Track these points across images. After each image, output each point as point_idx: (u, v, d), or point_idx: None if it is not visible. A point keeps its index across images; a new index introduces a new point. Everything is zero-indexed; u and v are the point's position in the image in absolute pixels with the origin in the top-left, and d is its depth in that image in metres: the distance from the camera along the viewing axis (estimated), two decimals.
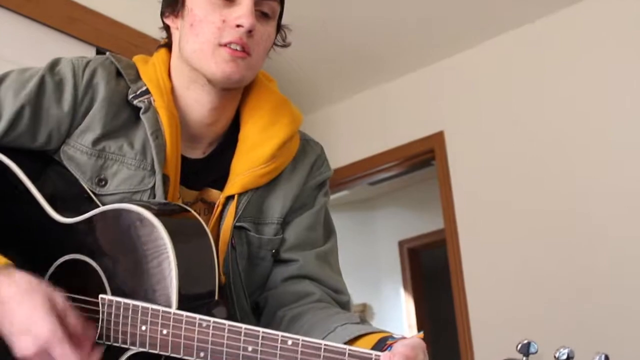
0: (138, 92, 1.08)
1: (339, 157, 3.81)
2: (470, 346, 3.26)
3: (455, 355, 3.42)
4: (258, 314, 1.16)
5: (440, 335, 5.36)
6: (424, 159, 3.75)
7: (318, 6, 3.11)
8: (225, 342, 0.85)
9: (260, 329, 0.84)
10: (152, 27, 2.79)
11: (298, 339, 0.82)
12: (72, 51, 2.55)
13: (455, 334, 3.36)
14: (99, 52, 2.64)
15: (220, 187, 1.12)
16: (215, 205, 1.11)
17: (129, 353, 0.91)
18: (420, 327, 5.34)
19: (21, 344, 0.84)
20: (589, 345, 3.02)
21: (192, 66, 1.08)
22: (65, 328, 0.85)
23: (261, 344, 0.83)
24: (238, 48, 1.04)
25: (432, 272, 5.52)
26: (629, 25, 3.03)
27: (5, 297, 0.85)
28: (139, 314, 0.90)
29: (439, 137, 3.59)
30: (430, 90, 3.69)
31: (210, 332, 0.86)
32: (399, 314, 5.44)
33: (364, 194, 5.49)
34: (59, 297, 0.88)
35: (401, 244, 5.56)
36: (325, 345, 0.81)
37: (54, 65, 1.07)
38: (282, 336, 0.82)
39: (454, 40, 3.50)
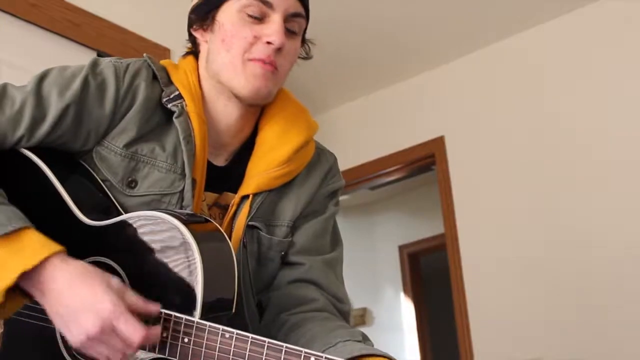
0: (172, 96, 1.10)
1: (339, 161, 3.80)
2: (470, 351, 3.26)
3: None
4: (260, 313, 1.17)
5: (440, 340, 5.36)
6: (424, 164, 3.76)
7: (319, 11, 3.11)
8: (247, 353, 0.85)
9: (284, 344, 0.84)
10: (152, 31, 2.81)
11: (321, 356, 0.82)
12: (74, 55, 2.55)
13: (455, 338, 3.36)
14: (100, 55, 2.64)
15: (236, 191, 1.13)
16: (230, 205, 1.12)
17: (148, 358, 0.91)
18: (420, 332, 5.34)
19: (83, 323, 0.84)
20: (591, 350, 3.01)
21: (219, 80, 1.10)
22: (126, 305, 0.86)
23: (284, 358, 0.83)
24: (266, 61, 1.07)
25: (432, 277, 5.52)
26: (627, 30, 3.05)
27: (62, 281, 0.87)
28: (161, 321, 0.90)
29: (439, 142, 3.60)
30: (430, 96, 3.70)
31: (233, 342, 0.86)
32: (398, 319, 5.44)
33: (364, 198, 5.49)
34: (114, 278, 0.89)
35: (401, 248, 5.56)
36: None
37: (94, 65, 1.07)
38: (305, 352, 0.83)
39: (455, 46, 3.51)
